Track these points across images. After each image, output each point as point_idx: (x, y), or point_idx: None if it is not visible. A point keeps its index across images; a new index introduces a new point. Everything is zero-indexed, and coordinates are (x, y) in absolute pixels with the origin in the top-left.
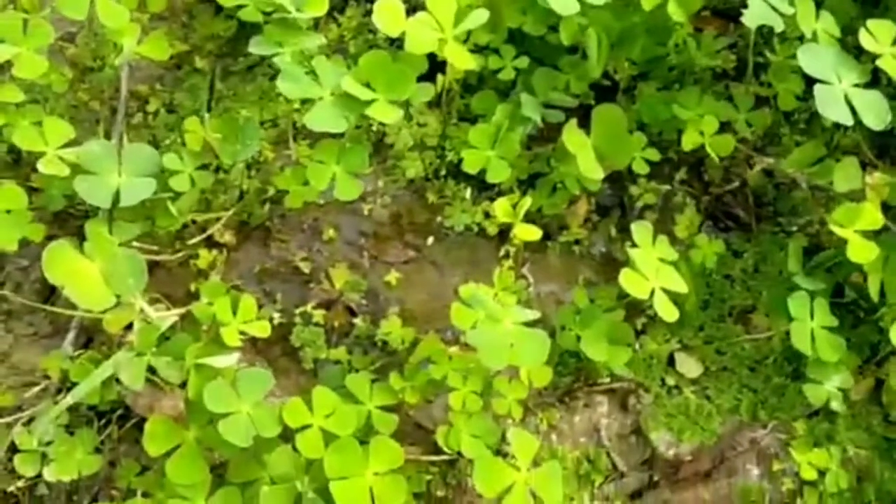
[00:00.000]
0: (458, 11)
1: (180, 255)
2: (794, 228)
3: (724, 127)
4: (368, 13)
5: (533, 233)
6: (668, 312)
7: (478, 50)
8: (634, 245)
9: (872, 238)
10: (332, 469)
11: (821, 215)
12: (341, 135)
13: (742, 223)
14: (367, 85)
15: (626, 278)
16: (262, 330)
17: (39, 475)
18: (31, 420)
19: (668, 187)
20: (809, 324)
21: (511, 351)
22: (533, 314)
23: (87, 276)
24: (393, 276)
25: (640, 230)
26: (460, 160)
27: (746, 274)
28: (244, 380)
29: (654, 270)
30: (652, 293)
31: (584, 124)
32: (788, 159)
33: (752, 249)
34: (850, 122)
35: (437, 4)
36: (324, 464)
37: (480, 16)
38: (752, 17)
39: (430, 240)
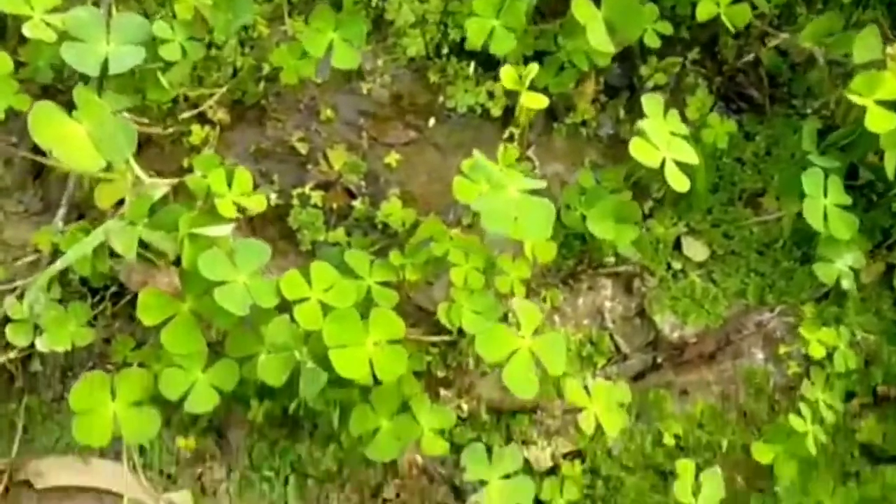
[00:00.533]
0: None
1: (172, 130)
2: (809, 111)
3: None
4: None
5: (539, 100)
6: (679, 183)
7: None
8: (645, 117)
9: (892, 110)
10: (331, 337)
11: (837, 95)
12: (338, 6)
13: (755, 104)
14: None
15: (636, 147)
16: (257, 203)
17: (32, 347)
18: (23, 294)
19: (679, 66)
20: (822, 201)
21: (515, 223)
22: (538, 182)
23: (76, 137)
24: (393, 158)
25: (651, 102)
26: (463, 38)
27: (758, 157)
28: (241, 251)
29: (665, 141)
30: (663, 164)
31: None
32: (804, 32)
33: (765, 132)
34: None
35: None
36: (322, 333)
37: None
38: None
39: (432, 121)
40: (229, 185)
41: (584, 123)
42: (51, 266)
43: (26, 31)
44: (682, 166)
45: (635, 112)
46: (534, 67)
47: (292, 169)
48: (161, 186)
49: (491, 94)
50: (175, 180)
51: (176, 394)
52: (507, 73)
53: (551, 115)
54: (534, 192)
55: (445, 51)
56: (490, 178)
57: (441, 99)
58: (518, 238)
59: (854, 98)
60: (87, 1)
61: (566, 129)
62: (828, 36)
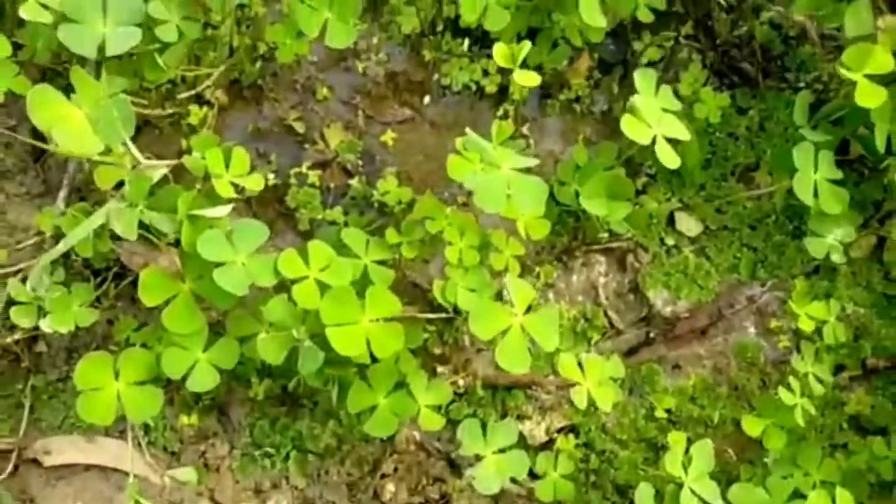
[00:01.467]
0: None
1: (170, 112)
2: (802, 84)
3: None
4: None
5: (531, 78)
6: (669, 159)
7: None
8: (637, 93)
9: (882, 84)
10: (328, 316)
11: (829, 69)
12: None
13: (748, 78)
14: None
15: (627, 124)
16: (255, 183)
17: (37, 328)
18: (27, 278)
19: (673, 41)
20: (813, 175)
21: (508, 200)
22: (531, 160)
23: (74, 120)
24: (389, 136)
25: (644, 77)
26: (458, 15)
27: (751, 132)
28: (239, 231)
29: (656, 118)
30: (653, 141)
31: None
32: (796, 3)
33: (758, 106)
34: None
35: None
36: (320, 312)
37: None
38: None
39: (427, 99)
40: (227, 165)
41: (577, 100)
42: (53, 248)
43: (23, 13)
44: (674, 143)
45: (629, 88)
46: (526, 45)
47: (290, 148)
48: (160, 168)
49: (486, 72)
50: (173, 162)
51: (178, 373)
52: (499, 51)
53: (545, 92)
54: (526, 169)
55: (440, 28)
56: (483, 156)
57: (436, 76)
58: (511, 216)
59: (844, 73)
60: None
61: (560, 105)
62: (820, 8)
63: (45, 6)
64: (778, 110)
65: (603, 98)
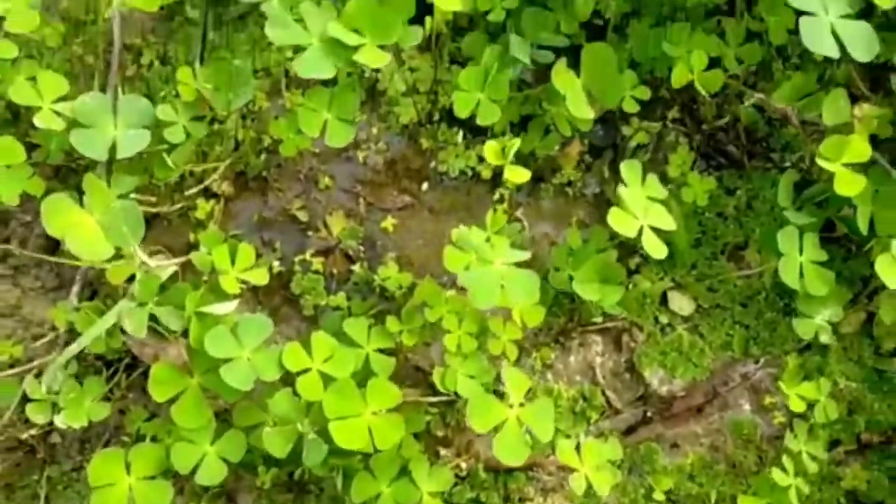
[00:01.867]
0: None
1: (179, 206)
2: (787, 164)
3: (715, 63)
4: None
5: (522, 174)
6: (656, 250)
7: None
8: (624, 184)
9: (861, 171)
10: (331, 410)
11: (811, 151)
12: (332, 81)
13: (734, 160)
14: (355, 30)
15: (614, 217)
16: (260, 277)
17: (51, 423)
18: (41, 372)
19: (660, 126)
20: (798, 258)
21: (502, 291)
22: (523, 254)
23: (86, 227)
24: (389, 223)
25: (630, 169)
26: (453, 105)
27: (739, 211)
28: (244, 326)
29: (643, 209)
30: (640, 231)
31: (576, 65)
32: (777, 92)
33: (745, 186)
34: (836, 55)
35: None
36: (323, 405)
37: None
38: None
39: (425, 185)
40: (233, 261)
41: (570, 184)
42: (67, 348)
43: (37, 121)
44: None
45: (619, 171)
46: (516, 142)
47: (294, 236)
48: (168, 268)
49: (481, 158)
50: (181, 260)
51: (187, 467)
52: (490, 149)
53: (539, 176)
54: (519, 263)
55: (436, 117)
56: (477, 251)
57: (433, 164)
58: (505, 306)
59: (823, 163)
60: (94, 84)
61: (553, 189)
62: (800, 98)
63: (57, 113)
64: (764, 190)
65: (594, 181)
